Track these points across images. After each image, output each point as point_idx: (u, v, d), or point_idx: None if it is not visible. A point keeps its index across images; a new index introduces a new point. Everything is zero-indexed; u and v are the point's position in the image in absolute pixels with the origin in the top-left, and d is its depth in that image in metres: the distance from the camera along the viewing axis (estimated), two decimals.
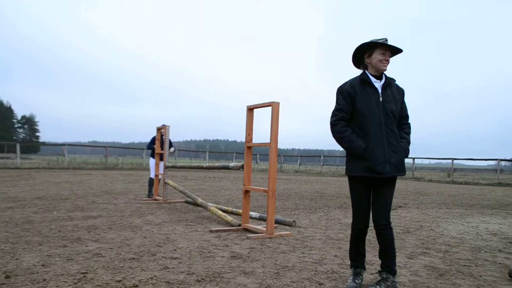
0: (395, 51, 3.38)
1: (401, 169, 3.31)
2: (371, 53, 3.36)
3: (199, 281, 3.41)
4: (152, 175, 10.18)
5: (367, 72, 3.41)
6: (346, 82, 3.45)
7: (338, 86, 3.47)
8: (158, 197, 9.57)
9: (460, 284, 3.61)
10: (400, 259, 4.40)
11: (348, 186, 3.51)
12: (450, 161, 25.83)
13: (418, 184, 21.32)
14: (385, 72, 3.41)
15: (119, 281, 3.34)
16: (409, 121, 3.52)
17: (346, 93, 3.38)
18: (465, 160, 28.23)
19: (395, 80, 3.47)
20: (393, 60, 3.47)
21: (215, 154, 48.37)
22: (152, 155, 10.35)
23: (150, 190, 10.06)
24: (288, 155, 51.28)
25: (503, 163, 26.84)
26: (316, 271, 3.85)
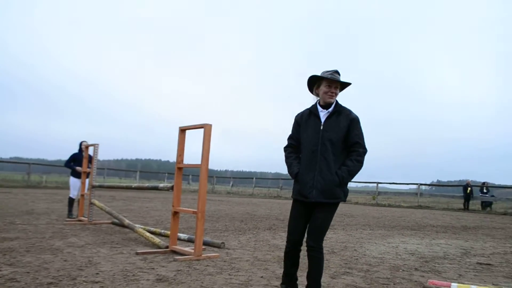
0: (344, 83, 3.58)
1: (328, 196, 3.41)
2: (319, 85, 3.59)
3: None
4: (71, 195, 9.84)
5: (317, 101, 3.64)
6: (300, 112, 3.74)
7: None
8: (82, 218, 9.19)
9: None
10: (323, 278, 4.52)
11: None
12: (375, 184, 27.02)
13: (345, 206, 22.08)
14: (337, 100, 3.59)
15: None
16: (360, 149, 3.50)
17: (295, 122, 3.72)
18: (389, 184, 29.74)
19: (344, 109, 3.58)
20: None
21: (146, 174, 47.22)
22: (73, 174, 9.97)
23: (70, 210, 9.68)
24: (221, 176, 51.24)
25: (423, 187, 28.56)
26: None
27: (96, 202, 8.79)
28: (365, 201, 27.14)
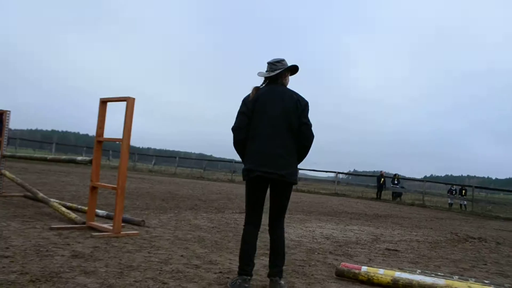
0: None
1: None
2: None
3: (33, 281, 3.16)
4: None
5: None
6: None
7: None
8: None
9: (294, 282, 3.94)
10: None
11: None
12: None
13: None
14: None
15: None
16: None
17: None
18: (309, 171, 30.85)
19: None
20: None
21: (63, 147, 45.08)
22: None
23: None
24: (144, 154, 49.92)
25: (340, 175, 29.83)
26: (161, 270, 3.85)
27: (7, 173, 8.24)
28: None
